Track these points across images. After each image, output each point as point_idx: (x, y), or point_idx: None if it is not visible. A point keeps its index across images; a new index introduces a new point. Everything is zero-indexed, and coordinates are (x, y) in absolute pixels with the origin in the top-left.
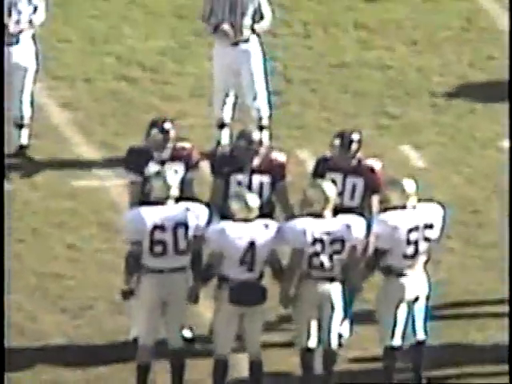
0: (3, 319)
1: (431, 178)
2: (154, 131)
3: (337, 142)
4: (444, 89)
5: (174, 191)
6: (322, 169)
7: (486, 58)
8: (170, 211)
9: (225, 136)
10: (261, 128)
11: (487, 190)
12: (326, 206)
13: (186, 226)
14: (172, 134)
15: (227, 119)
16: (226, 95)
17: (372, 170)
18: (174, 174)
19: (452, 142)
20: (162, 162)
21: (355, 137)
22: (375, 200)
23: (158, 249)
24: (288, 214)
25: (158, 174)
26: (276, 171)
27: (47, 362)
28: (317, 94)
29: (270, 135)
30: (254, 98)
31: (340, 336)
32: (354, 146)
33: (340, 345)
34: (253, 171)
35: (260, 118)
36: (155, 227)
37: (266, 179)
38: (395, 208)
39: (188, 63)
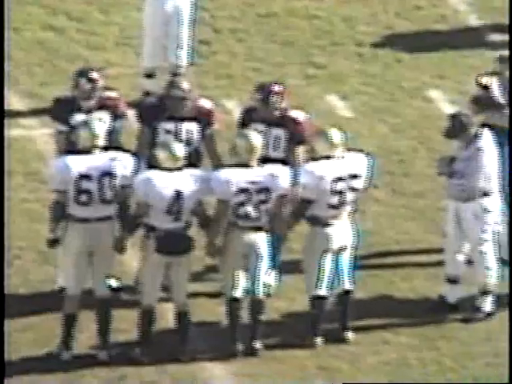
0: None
1: (357, 128)
2: (82, 81)
3: (257, 94)
4: (371, 39)
5: (101, 141)
6: (247, 119)
7: (412, 8)
8: (95, 160)
9: (152, 85)
10: (174, 75)
11: (413, 140)
12: (253, 156)
13: (112, 176)
14: (100, 83)
15: (155, 68)
16: (156, 44)
17: (296, 121)
18: (101, 123)
19: (378, 92)
20: (88, 112)
21: (275, 88)
22: (300, 151)
23: (84, 198)
24: (215, 162)
25: (84, 123)
26: (203, 118)
27: None
28: (244, 44)
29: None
30: (178, 47)
31: (267, 286)
32: (274, 98)
33: (268, 294)
34: (181, 119)
35: (178, 66)
36: (81, 176)
37: (194, 126)
38: (321, 158)
39: (114, 13)
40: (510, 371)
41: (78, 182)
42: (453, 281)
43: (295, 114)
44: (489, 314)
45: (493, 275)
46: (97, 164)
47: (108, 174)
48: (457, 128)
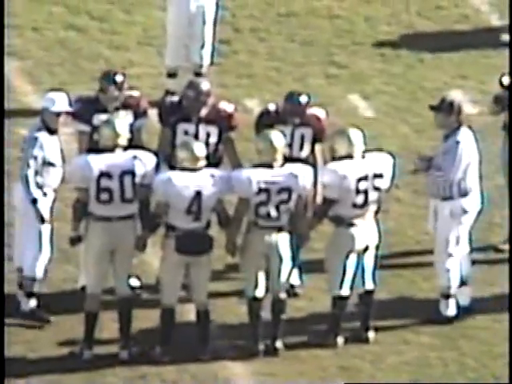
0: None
1: (379, 128)
2: (111, 87)
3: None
4: (392, 38)
5: (123, 140)
6: (266, 122)
7: (434, 8)
8: (117, 159)
9: (174, 85)
10: (196, 75)
11: (435, 140)
12: (275, 156)
13: (133, 174)
14: (125, 85)
15: (178, 68)
16: (179, 44)
17: (318, 118)
18: (123, 122)
19: (400, 92)
20: (110, 111)
21: (303, 99)
22: (319, 148)
23: (105, 196)
24: (234, 166)
25: (106, 122)
26: (223, 122)
27: None
28: (265, 43)
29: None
30: (202, 47)
31: (292, 286)
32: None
33: (295, 294)
34: (200, 121)
35: (200, 66)
36: (101, 174)
37: (212, 129)
38: (342, 158)
39: (136, 12)
40: (510, 371)
41: (98, 179)
42: (446, 295)
43: (316, 111)
44: (451, 318)
45: (454, 278)
46: (118, 162)
47: (129, 172)
48: (444, 107)
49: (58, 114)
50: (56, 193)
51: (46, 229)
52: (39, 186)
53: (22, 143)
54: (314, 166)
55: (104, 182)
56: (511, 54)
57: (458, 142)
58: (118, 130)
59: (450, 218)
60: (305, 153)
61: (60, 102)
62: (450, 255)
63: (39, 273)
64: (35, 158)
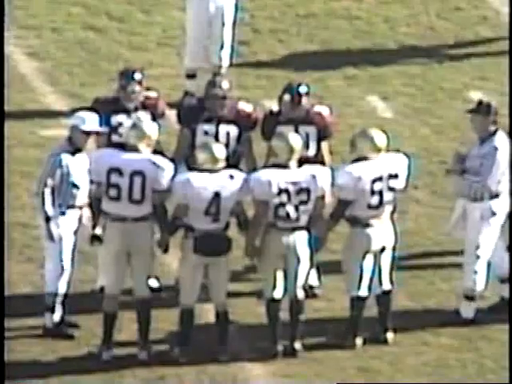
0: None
1: (398, 129)
2: (130, 83)
3: (286, 97)
4: (411, 39)
5: (149, 140)
6: (271, 122)
7: (453, 9)
8: (131, 157)
9: (193, 86)
10: (215, 76)
11: (454, 141)
12: (292, 156)
13: (144, 177)
14: (143, 83)
15: (197, 69)
16: (199, 45)
17: (321, 115)
18: (150, 123)
19: (419, 93)
20: (129, 112)
21: (303, 89)
22: (325, 146)
23: (113, 192)
24: (251, 166)
25: (133, 124)
26: (243, 122)
27: (14, 311)
28: (284, 44)
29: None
30: (221, 48)
31: (310, 287)
32: (304, 100)
33: (314, 295)
34: (220, 121)
35: (219, 67)
36: (112, 169)
37: (233, 128)
38: (362, 159)
39: (155, 13)
40: (510, 372)
41: (108, 174)
42: (470, 297)
43: (319, 108)
44: (470, 320)
45: (480, 281)
46: (131, 161)
47: (140, 173)
48: (482, 109)
49: (88, 134)
50: (81, 210)
51: (67, 245)
52: (58, 205)
53: (46, 159)
54: (322, 164)
55: (114, 178)
56: (511, 55)
57: (496, 148)
58: (146, 130)
59: (480, 221)
60: (311, 152)
61: (90, 122)
62: (478, 257)
63: (61, 288)
64: (53, 177)
